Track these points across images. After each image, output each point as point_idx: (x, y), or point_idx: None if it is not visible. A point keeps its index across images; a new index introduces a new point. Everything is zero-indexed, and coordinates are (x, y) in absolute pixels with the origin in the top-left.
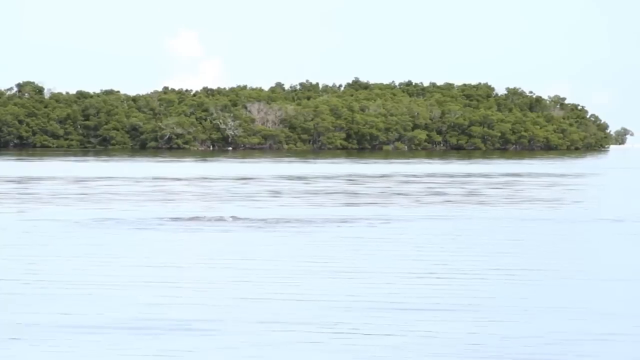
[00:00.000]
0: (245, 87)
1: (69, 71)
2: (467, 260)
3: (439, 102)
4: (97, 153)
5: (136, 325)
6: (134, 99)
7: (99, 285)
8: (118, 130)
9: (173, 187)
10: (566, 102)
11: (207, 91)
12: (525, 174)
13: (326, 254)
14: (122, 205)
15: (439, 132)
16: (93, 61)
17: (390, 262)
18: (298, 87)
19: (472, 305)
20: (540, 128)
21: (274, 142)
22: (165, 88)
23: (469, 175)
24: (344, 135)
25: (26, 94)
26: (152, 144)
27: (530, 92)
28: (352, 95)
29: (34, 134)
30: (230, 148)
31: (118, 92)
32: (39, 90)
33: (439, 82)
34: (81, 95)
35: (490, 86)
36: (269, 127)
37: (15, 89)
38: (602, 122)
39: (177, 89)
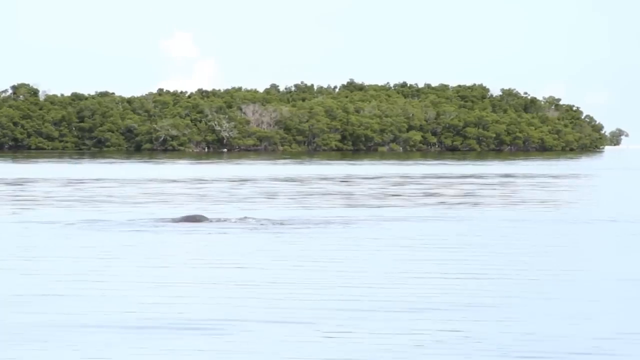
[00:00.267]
0: (240, 88)
1: (63, 73)
2: (463, 261)
3: (433, 103)
4: (92, 155)
5: (138, 325)
6: (129, 101)
7: (98, 285)
8: (113, 132)
9: (169, 189)
10: (561, 103)
11: (202, 93)
12: (520, 175)
13: (325, 255)
14: (116, 207)
15: (434, 134)
16: (88, 63)
17: (388, 263)
18: (293, 88)
19: (468, 305)
20: (535, 129)
21: (269, 143)
22: (160, 90)
23: (463, 176)
24: (339, 136)
25: (21, 96)
26: (147, 145)
27: (525, 93)
28: (347, 97)
29: (29, 136)
30: (225, 150)
31: (113, 93)
32: (34, 92)
33: (434, 83)
34: (76, 97)
35: (485, 87)
36: (264, 129)
37: (10, 91)
38: (597, 123)
39: (171, 90)
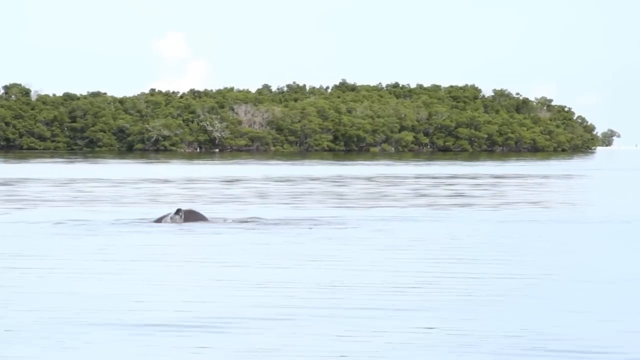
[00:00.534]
0: (232, 88)
1: (55, 73)
2: (456, 262)
3: (425, 103)
4: (84, 155)
5: (134, 324)
6: (121, 101)
7: (91, 284)
8: (105, 132)
9: (161, 189)
10: (553, 103)
11: (194, 93)
12: (512, 176)
13: (320, 255)
14: (106, 207)
15: (426, 134)
16: (80, 63)
17: (382, 263)
18: (285, 88)
19: (461, 305)
20: (527, 130)
21: (261, 144)
22: (152, 90)
23: (455, 176)
24: (331, 137)
25: (13, 96)
26: (139, 146)
27: (517, 93)
28: (339, 97)
29: (21, 136)
30: (217, 150)
31: (105, 94)
32: (26, 92)
33: (426, 84)
34: (68, 97)
35: (477, 88)
36: (256, 129)
37: (2, 90)
38: (588, 123)
39: (164, 90)
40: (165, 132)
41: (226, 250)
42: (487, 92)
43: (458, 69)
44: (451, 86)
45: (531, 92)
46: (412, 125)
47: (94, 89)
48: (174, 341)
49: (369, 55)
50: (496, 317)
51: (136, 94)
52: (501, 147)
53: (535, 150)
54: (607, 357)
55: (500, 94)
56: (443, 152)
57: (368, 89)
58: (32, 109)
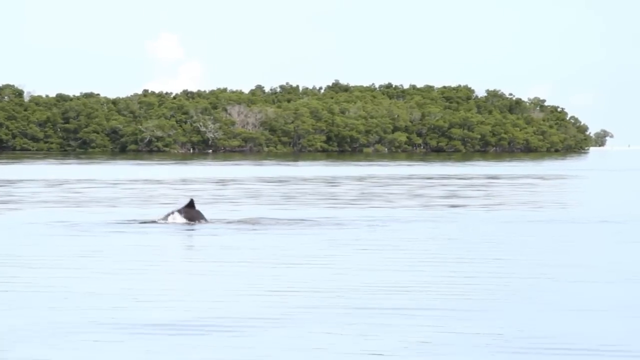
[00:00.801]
0: (225, 89)
1: (48, 74)
2: (451, 262)
3: (419, 104)
4: (77, 156)
5: (131, 324)
6: (114, 102)
7: (82, 284)
8: (98, 133)
9: (155, 190)
10: (546, 104)
11: (187, 94)
12: (505, 176)
13: (315, 255)
14: (98, 208)
15: (419, 135)
16: (73, 64)
17: (376, 262)
18: (278, 89)
19: (455, 306)
20: (520, 130)
21: (254, 144)
22: (145, 91)
23: (448, 177)
24: (324, 137)
25: (6, 97)
26: (132, 146)
27: (510, 94)
28: (332, 98)
29: (14, 137)
30: (210, 151)
31: (98, 95)
32: (19, 94)
33: (419, 84)
34: (61, 98)
35: (470, 88)
36: (249, 130)
37: None
38: (582, 124)
39: (157, 91)
40: (159, 133)
41: (226, 251)
42: (480, 92)
43: (451, 70)
44: (444, 87)
45: (524, 93)
46: (405, 126)
47: (87, 89)
48: (174, 342)
49: (362, 56)
50: (493, 317)
51: (129, 95)
52: (494, 148)
53: (528, 151)
54: (607, 354)
55: (494, 95)
56: (436, 153)
57: (361, 89)
58: (25, 110)
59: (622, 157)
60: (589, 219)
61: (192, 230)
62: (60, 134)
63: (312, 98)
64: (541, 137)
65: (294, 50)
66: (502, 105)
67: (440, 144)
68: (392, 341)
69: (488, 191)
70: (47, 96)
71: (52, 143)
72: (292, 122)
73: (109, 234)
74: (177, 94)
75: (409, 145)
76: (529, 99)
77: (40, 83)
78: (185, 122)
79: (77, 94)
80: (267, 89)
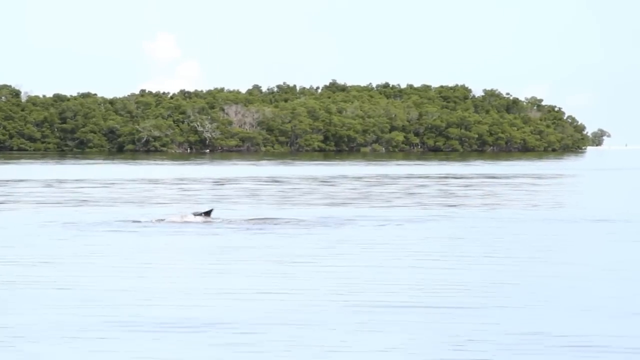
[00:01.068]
0: (222, 89)
1: (45, 74)
2: (447, 262)
3: (416, 103)
4: (75, 156)
5: (130, 323)
6: (111, 102)
7: (86, 285)
8: (95, 133)
9: (155, 190)
10: (543, 103)
11: (184, 94)
12: (503, 176)
13: (314, 255)
14: (95, 208)
15: (417, 134)
16: (70, 64)
17: (376, 261)
18: (275, 89)
19: (454, 304)
20: (518, 130)
21: (251, 144)
22: (143, 91)
23: (446, 176)
24: (321, 137)
25: (3, 97)
26: (130, 146)
27: (507, 93)
28: (329, 97)
29: (11, 137)
30: (208, 150)
31: (95, 95)
32: (16, 94)
33: (416, 84)
34: (58, 98)
35: (467, 88)
36: (246, 130)
37: None
38: (579, 123)
39: (154, 91)
40: (156, 133)
41: (230, 250)
42: (478, 92)
43: (448, 69)
44: (441, 86)
45: (521, 92)
46: (403, 126)
47: (84, 89)
48: (178, 339)
49: (359, 56)
50: (493, 314)
51: (126, 95)
52: (492, 147)
53: (525, 150)
54: (606, 351)
55: (491, 94)
56: (434, 152)
57: (358, 89)
58: (22, 110)
59: (619, 157)
60: (585, 218)
61: (198, 229)
62: (58, 134)
63: (310, 98)
64: (538, 136)
65: (291, 49)
66: (499, 104)
67: (437, 143)
68: (393, 340)
69: (485, 190)
70: (44, 96)
71: (49, 143)
72: (290, 122)
73: (110, 233)
74: (174, 94)
75: (406, 144)
76: (526, 99)
77: (37, 83)
78: (183, 122)
79: (74, 94)
80: (264, 89)
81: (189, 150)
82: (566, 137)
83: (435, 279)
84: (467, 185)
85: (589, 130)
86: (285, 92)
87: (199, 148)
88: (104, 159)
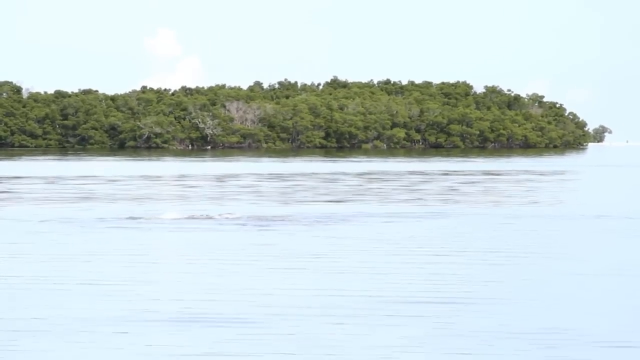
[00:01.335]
0: (223, 86)
1: (47, 71)
2: (447, 257)
3: (417, 100)
4: (76, 152)
5: (142, 319)
6: (113, 99)
7: (87, 281)
8: (97, 129)
9: (156, 187)
10: (544, 100)
11: (185, 90)
12: (504, 172)
13: (315, 252)
14: (94, 204)
15: (418, 131)
16: (71, 60)
17: (375, 258)
18: (277, 86)
19: (454, 301)
20: (519, 126)
21: (252, 141)
22: (144, 87)
23: (447, 173)
24: (322, 133)
25: (4, 94)
26: (131, 143)
27: (509, 90)
28: (330, 94)
29: (12, 133)
30: (209, 147)
31: (96, 91)
32: (17, 90)
33: (418, 81)
34: (59, 94)
35: (468, 84)
36: (247, 126)
37: None
38: (580, 120)
39: (155, 88)
40: (157, 130)
41: (232, 248)
42: (479, 88)
43: (450, 66)
44: (443, 83)
45: (523, 89)
46: (404, 122)
47: (85, 86)
48: (176, 336)
49: (361, 52)
50: (493, 311)
51: (128, 92)
52: (493, 144)
53: (526, 147)
54: (605, 347)
55: (492, 91)
56: (435, 149)
57: (360, 85)
58: (24, 107)
59: (620, 153)
60: (586, 214)
61: (194, 226)
62: (59, 131)
63: (311, 94)
64: (540, 133)
65: (293, 46)
66: (500, 101)
67: (439, 140)
68: (393, 337)
69: (486, 187)
70: (45, 93)
71: (50, 139)
72: (291, 119)
73: (111, 230)
74: (175, 91)
75: (407, 141)
76: (528, 95)
77: (38, 80)
78: (184, 119)
79: (76, 91)
80: (265, 85)
81: (190, 147)
82: (567, 133)
83: (440, 274)
84: (468, 182)
85: (590, 127)
86: (287, 89)
87: (201, 145)
88: (105, 156)
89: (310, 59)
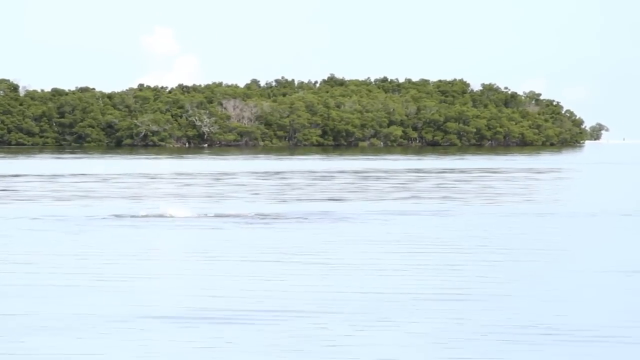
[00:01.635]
0: (220, 83)
1: (44, 68)
2: (444, 254)
3: (414, 98)
4: (73, 150)
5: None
6: (110, 96)
7: (89, 280)
8: (93, 127)
9: (156, 185)
10: (541, 98)
11: (182, 88)
12: (501, 170)
13: (316, 249)
14: (92, 202)
15: (415, 129)
16: (68, 58)
17: (376, 256)
18: (273, 83)
19: (451, 297)
20: (516, 124)
21: (249, 138)
22: (141, 85)
23: (444, 170)
24: (319, 131)
25: (1, 92)
26: (128, 141)
27: (506, 88)
28: (327, 92)
29: (9, 131)
30: (206, 145)
31: (93, 89)
32: (14, 88)
33: (415, 78)
34: (56, 92)
35: (465, 82)
36: (244, 124)
37: None
38: (577, 117)
39: (152, 86)
40: (154, 128)
41: (233, 245)
42: (476, 86)
43: (446, 64)
44: (440, 81)
45: (519, 87)
46: (401, 120)
47: (82, 84)
48: (178, 333)
49: (358, 50)
50: (494, 308)
51: (125, 89)
52: (490, 142)
53: (523, 145)
54: (605, 342)
55: (489, 89)
56: (432, 147)
57: (357, 83)
58: (21, 105)
59: (617, 151)
60: (583, 211)
61: (193, 224)
62: (56, 129)
63: (308, 92)
64: (536, 130)
65: (290, 44)
66: (497, 99)
67: (435, 137)
68: (393, 336)
69: (483, 184)
70: (42, 91)
71: (47, 137)
72: (288, 116)
73: (111, 228)
74: (172, 88)
75: (404, 139)
76: (525, 93)
77: (35, 77)
78: (181, 117)
79: (73, 89)
80: (262, 83)
81: (187, 145)
82: (564, 131)
83: (439, 272)
84: (465, 180)
85: (587, 125)
86: (284, 87)
87: (197, 142)
88: (102, 154)
89: (307, 57)
